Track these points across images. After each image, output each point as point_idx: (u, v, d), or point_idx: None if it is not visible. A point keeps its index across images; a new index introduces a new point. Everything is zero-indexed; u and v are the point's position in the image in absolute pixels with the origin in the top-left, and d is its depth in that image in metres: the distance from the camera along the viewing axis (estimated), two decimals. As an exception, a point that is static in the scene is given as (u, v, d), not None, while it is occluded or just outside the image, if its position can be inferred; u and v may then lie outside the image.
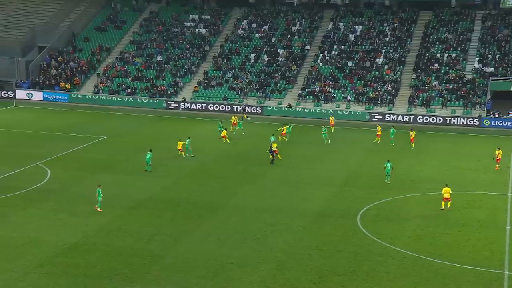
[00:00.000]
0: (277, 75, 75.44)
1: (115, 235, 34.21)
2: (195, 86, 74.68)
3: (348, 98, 71.34)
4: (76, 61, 79.53)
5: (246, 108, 69.26)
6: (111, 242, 33.21)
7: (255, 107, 70.62)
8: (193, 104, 71.57)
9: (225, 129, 55.75)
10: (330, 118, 63.24)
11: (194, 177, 45.56)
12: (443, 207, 38.60)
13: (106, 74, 77.19)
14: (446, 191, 38.55)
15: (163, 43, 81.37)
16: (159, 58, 79.11)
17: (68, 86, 75.87)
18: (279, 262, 31.25)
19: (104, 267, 30.25)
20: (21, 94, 74.47)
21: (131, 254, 31.68)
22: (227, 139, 54.71)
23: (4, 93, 74.69)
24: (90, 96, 73.83)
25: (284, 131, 56.14)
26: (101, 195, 37.24)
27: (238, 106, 70.14)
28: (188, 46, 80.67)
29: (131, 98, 72.92)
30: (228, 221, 36.73)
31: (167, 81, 76.06)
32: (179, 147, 49.26)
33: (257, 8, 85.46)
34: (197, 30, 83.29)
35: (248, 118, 66.02)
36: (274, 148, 48.71)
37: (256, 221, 36.67)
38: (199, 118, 67.41)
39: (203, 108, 70.98)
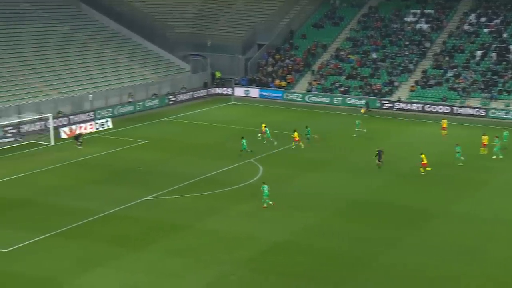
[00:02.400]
0: (506, 74, 69.00)
1: (322, 235, 33.68)
2: (412, 86, 71.32)
3: None
4: (292, 59, 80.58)
5: (369, 103, 67.86)
6: (318, 242, 32.67)
7: (478, 109, 65.25)
8: (409, 104, 68.28)
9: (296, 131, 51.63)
10: (442, 121, 56.42)
11: (406, 180, 43.40)
12: None
13: (320, 72, 77.07)
14: None
15: (381, 39, 79.05)
16: (374, 55, 76.95)
17: (283, 83, 77.13)
18: (497, 279, 28.17)
19: (310, 267, 29.75)
20: (239, 90, 77.27)
21: (337, 256, 31.01)
22: (294, 143, 50.87)
23: (225, 89, 78.20)
24: (302, 94, 74.11)
25: (263, 129, 52.59)
26: (267, 192, 37.25)
27: (362, 101, 68.98)
28: (407, 43, 77.34)
29: (343, 97, 71.63)
30: (442, 230, 34.28)
31: (382, 80, 73.70)
32: (297, 137, 50.56)
33: (489, 0, 78.89)
34: (418, 25, 79.50)
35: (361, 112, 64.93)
36: (425, 161, 43.83)
37: (473, 232, 33.72)
38: (412, 119, 64.21)
39: (420, 109, 67.31)
